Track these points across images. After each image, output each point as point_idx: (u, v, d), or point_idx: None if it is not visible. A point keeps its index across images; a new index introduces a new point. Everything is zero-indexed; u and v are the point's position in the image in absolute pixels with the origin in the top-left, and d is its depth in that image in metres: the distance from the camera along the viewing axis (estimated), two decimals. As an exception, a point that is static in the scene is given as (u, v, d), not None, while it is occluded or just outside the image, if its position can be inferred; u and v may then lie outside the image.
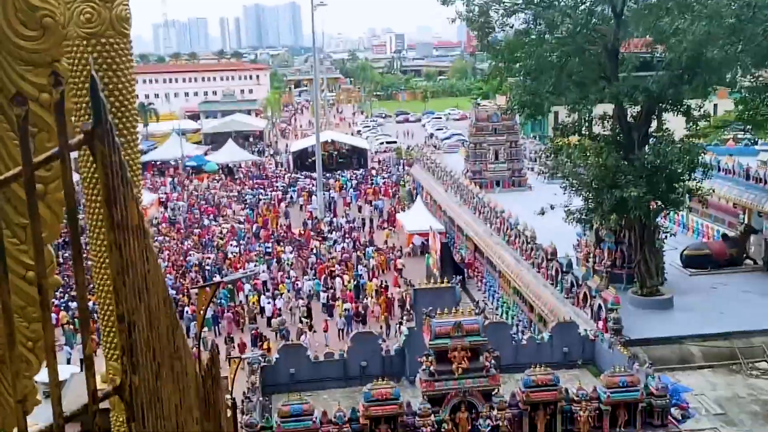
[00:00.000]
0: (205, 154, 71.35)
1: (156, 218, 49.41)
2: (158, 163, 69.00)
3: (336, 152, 68.80)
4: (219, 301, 32.14)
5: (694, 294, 24.23)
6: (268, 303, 33.07)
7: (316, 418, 14.93)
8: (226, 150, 69.75)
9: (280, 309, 32.84)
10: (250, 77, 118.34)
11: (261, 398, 16.91)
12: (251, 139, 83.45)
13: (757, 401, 18.06)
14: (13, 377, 1.53)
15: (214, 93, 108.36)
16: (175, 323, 2.62)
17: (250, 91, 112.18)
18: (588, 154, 23.67)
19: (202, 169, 66.32)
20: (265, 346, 27.79)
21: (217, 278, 26.88)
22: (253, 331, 30.41)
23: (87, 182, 4.96)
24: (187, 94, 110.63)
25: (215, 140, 77.76)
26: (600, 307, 21.36)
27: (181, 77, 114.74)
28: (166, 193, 59.22)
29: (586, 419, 15.48)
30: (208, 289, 11.40)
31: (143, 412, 1.89)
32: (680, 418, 16.39)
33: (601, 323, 20.92)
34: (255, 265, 37.42)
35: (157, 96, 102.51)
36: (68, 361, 26.70)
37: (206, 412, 3.80)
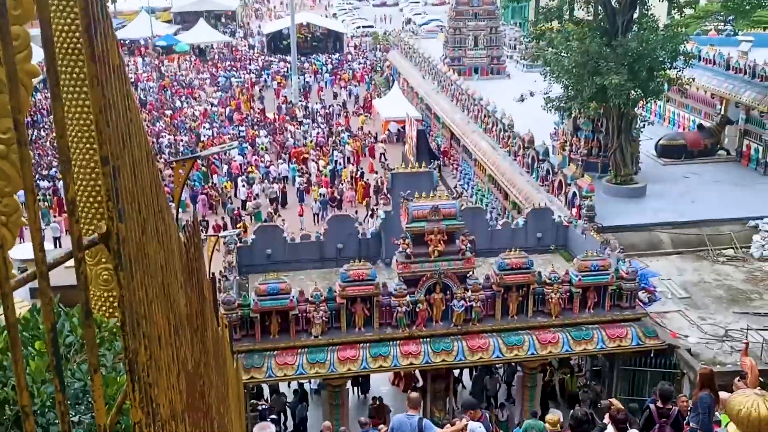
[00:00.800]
0: (176, 33, 69.06)
1: (126, 99, 48.20)
2: (127, 42, 66.76)
3: (311, 35, 66.95)
4: (193, 182, 31.94)
5: (666, 183, 24.50)
6: (243, 186, 32.96)
7: (293, 296, 15.13)
8: (198, 30, 67.51)
9: (257, 195, 32.76)
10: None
11: (238, 277, 17.05)
12: (223, 20, 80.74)
13: (722, 286, 18.60)
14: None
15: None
16: (158, 182, 2.49)
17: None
18: (570, 39, 23.22)
19: (172, 49, 64.37)
20: (240, 226, 27.89)
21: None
22: (234, 212, 30.50)
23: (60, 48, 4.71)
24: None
25: (186, 19, 75.06)
26: (574, 194, 21.55)
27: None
28: (136, 74, 57.64)
29: (557, 301, 15.89)
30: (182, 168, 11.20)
31: (131, 263, 1.77)
32: (647, 301, 16.90)
33: (575, 210, 21.17)
34: (230, 141, 36.91)
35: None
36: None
37: (189, 279, 3.73)
